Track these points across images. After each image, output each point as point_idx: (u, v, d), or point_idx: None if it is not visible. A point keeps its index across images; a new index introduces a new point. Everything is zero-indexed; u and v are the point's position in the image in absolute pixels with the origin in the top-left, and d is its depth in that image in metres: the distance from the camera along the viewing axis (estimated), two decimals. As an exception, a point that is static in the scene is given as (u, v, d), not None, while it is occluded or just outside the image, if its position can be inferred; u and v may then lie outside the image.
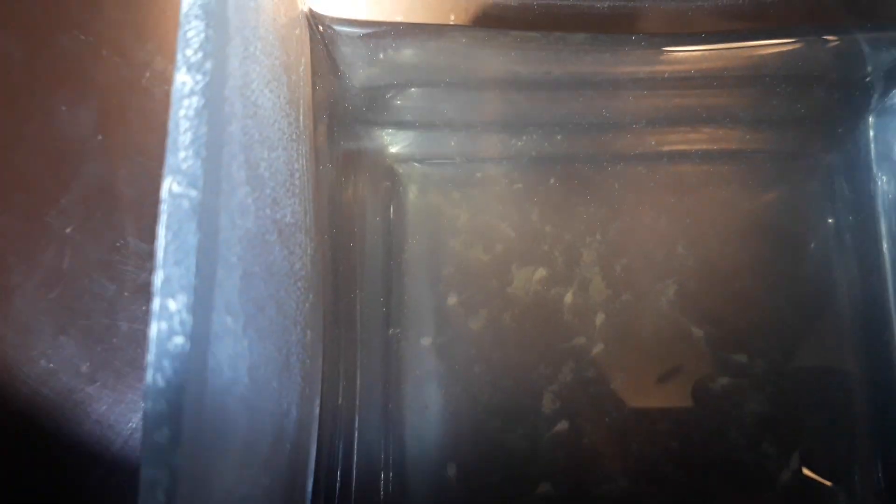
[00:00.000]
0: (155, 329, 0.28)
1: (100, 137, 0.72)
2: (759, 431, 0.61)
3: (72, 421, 0.66)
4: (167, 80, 0.73)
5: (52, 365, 0.68)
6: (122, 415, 0.67)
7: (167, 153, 0.30)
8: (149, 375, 0.28)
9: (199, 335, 0.29)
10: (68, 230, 0.70)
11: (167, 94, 0.73)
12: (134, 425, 0.66)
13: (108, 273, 0.69)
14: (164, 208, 0.29)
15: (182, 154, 0.30)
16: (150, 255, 0.70)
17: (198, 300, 0.29)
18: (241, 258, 0.33)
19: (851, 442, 0.61)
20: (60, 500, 0.65)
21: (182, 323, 0.28)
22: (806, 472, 0.60)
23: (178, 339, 0.28)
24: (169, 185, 0.29)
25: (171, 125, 0.31)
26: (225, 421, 0.31)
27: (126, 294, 0.69)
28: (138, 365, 0.68)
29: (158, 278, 0.29)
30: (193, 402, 0.28)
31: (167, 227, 0.29)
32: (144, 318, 0.68)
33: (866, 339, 0.62)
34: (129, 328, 0.68)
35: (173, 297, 0.28)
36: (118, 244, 0.70)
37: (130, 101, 0.73)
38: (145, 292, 0.69)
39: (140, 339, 0.68)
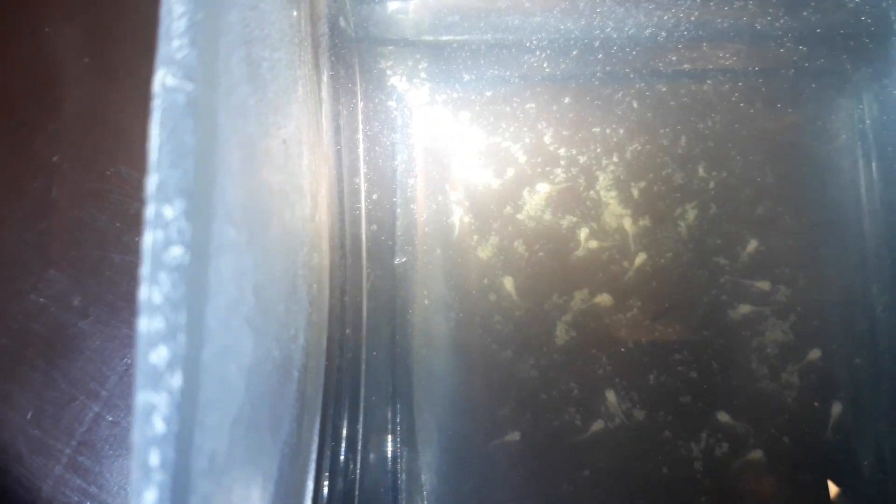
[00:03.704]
0: (150, 239, 0.25)
1: (87, 60, 0.69)
2: (782, 361, 0.59)
3: (64, 357, 0.64)
4: (156, -2, 0.69)
5: (42, 299, 0.65)
6: (116, 350, 0.64)
7: (159, 42, 0.27)
8: (143, 290, 0.25)
9: (200, 246, 0.26)
10: (55, 158, 0.67)
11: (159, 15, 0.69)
12: (129, 361, 0.64)
13: (98, 203, 0.66)
14: (156, 104, 0.26)
15: (176, 42, 0.26)
16: (143, 183, 0.66)
17: (197, 206, 0.25)
18: (244, 165, 0.30)
19: (877, 372, 0.59)
20: (54, 437, 0.62)
21: (180, 231, 0.25)
22: (832, 402, 0.58)
23: (176, 250, 0.25)
24: (162, 78, 0.26)
25: (163, 11, 0.27)
26: (229, 342, 0.28)
27: (118, 224, 0.66)
28: (133, 298, 0.64)
29: (152, 182, 0.26)
30: (194, 319, 0.25)
31: (161, 125, 0.26)
32: (138, 250, 0.65)
33: (893, 266, 0.59)
34: (122, 260, 0.65)
35: (169, 202, 0.25)
36: (109, 172, 0.66)
37: (120, 21, 0.69)
38: (138, 223, 0.66)
39: (134, 271, 0.65)
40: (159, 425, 0.24)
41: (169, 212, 0.25)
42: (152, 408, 0.24)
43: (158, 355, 0.25)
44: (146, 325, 0.25)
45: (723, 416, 0.58)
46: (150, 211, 0.25)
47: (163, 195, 0.25)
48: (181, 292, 0.25)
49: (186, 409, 0.25)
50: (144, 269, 0.25)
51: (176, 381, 0.24)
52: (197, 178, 0.25)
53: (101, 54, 0.69)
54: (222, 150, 0.28)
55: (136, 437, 0.24)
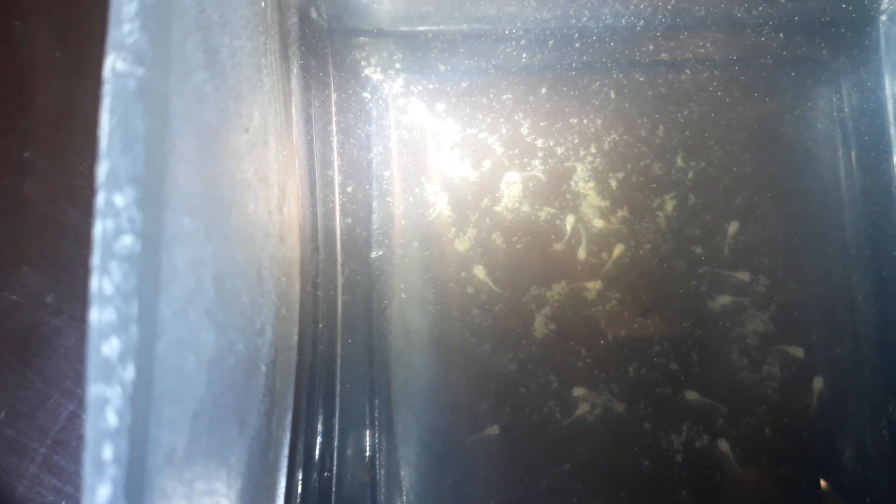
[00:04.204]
0: (100, 228, 0.25)
1: (58, 54, 0.67)
2: (762, 352, 0.58)
3: (38, 355, 0.63)
4: (128, -9, 0.68)
5: (15, 297, 0.64)
6: (91, 347, 0.63)
7: (109, 27, 0.26)
8: (94, 281, 0.24)
9: (152, 235, 0.25)
10: (27, 154, 0.66)
11: None
12: (105, 358, 0.63)
13: (72, 199, 0.65)
14: (107, 90, 0.25)
15: (126, 27, 0.26)
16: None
17: (148, 194, 0.25)
18: (201, 153, 0.29)
19: (857, 362, 0.59)
20: (29, 436, 0.62)
21: (131, 220, 0.24)
22: (813, 393, 0.58)
23: (127, 239, 0.24)
24: (112, 63, 0.25)
25: (113, -5, 0.26)
26: (187, 334, 0.28)
27: (91, 221, 0.65)
28: (107, 295, 0.64)
29: (102, 170, 0.25)
30: (147, 310, 0.25)
31: (111, 111, 0.25)
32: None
33: (873, 256, 0.59)
34: (97, 256, 0.64)
35: (120, 190, 0.25)
36: (81, 168, 0.65)
37: (90, 13, 0.68)
38: (112, 219, 0.65)
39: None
40: (112, 419, 0.24)
41: (119, 200, 0.24)
42: (105, 401, 0.24)
43: (110, 347, 0.24)
44: (97, 316, 0.24)
45: (703, 408, 0.58)
46: (100, 199, 0.25)
47: (113, 182, 0.25)
48: (133, 282, 0.24)
49: (140, 402, 0.24)
50: (95, 259, 0.25)
51: (128, 373, 0.24)
52: (148, 164, 0.25)
53: (72, 49, 0.68)
54: (176, 137, 0.27)
55: (89, 430, 0.24)
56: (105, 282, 0.24)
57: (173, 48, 0.27)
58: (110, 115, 0.25)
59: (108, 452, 0.24)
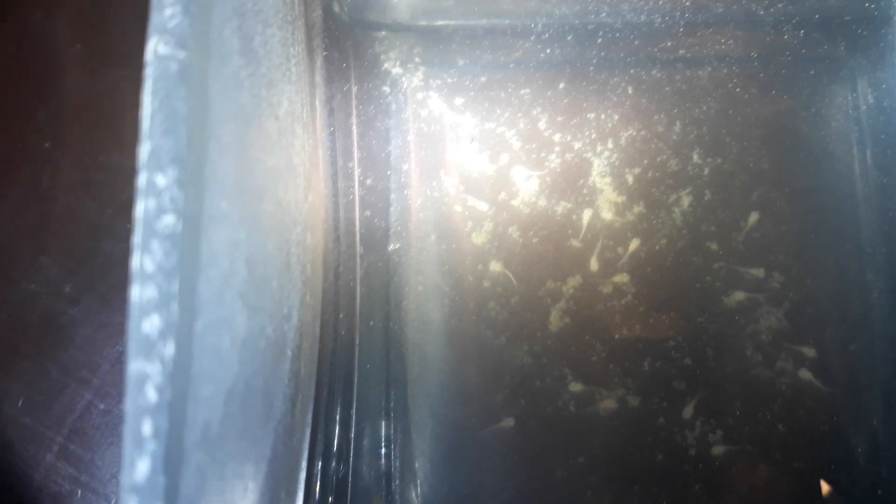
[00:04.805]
0: (142, 207, 0.25)
1: (78, 47, 0.68)
2: (776, 349, 0.58)
3: (56, 345, 0.63)
4: (148, -16, 0.69)
5: (34, 286, 0.64)
6: (108, 338, 0.64)
7: (151, 11, 0.27)
8: (136, 259, 0.25)
9: (192, 215, 0.26)
10: (47, 146, 0.66)
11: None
12: (121, 349, 0.63)
13: (89, 191, 0.66)
14: (149, 72, 0.26)
15: (168, 11, 0.26)
16: (134, 171, 0.66)
17: (189, 175, 0.25)
18: (236, 137, 0.29)
19: (872, 358, 0.59)
20: (45, 425, 0.62)
21: (172, 200, 0.25)
22: (826, 389, 0.58)
23: (169, 218, 0.25)
24: (154, 46, 0.26)
25: (154, -20, 0.27)
26: (222, 314, 0.28)
27: (109, 212, 0.65)
28: (124, 286, 0.64)
29: (144, 150, 0.25)
30: (187, 289, 0.25)
31: (153, 94, 0.25)
32: (129, 239, 0.65)
33: (889, 253, 0.59)
34: (114, 248, 0.65)
35: (162, 170, 0.25)
36: (100, 160, 0.66)
37: (109, 6, 0.69)
38: (129, 210, 0.65)
39: (125, 259, 0.65)
40: (152, 395, 0.24)
41: (161, 180, 0.25)
42: (145, 377, 0.24)
43: (151, 324, 0.24)
44: (138, 293, 0.25)
45: (717, 403, 0.58)
46: (141, 179, 0.25)
47: (155, 163, 0.25)
48: (174, 261, 0.25)
49: (179, 379, 0.24)
50: (136, 238, 0.25)
51: (169, 350, 0.24)
52: (189, 146, 0.25)
53: (92, 41, 0.68)
54: (214, 121, 0.27)
55: (129, 406, 0.24)
56: (146, 260, 0.24)
57: (212, 33, 0.28)
58: (152, 97, 0.25)
59: (147, 428, 0.24)
